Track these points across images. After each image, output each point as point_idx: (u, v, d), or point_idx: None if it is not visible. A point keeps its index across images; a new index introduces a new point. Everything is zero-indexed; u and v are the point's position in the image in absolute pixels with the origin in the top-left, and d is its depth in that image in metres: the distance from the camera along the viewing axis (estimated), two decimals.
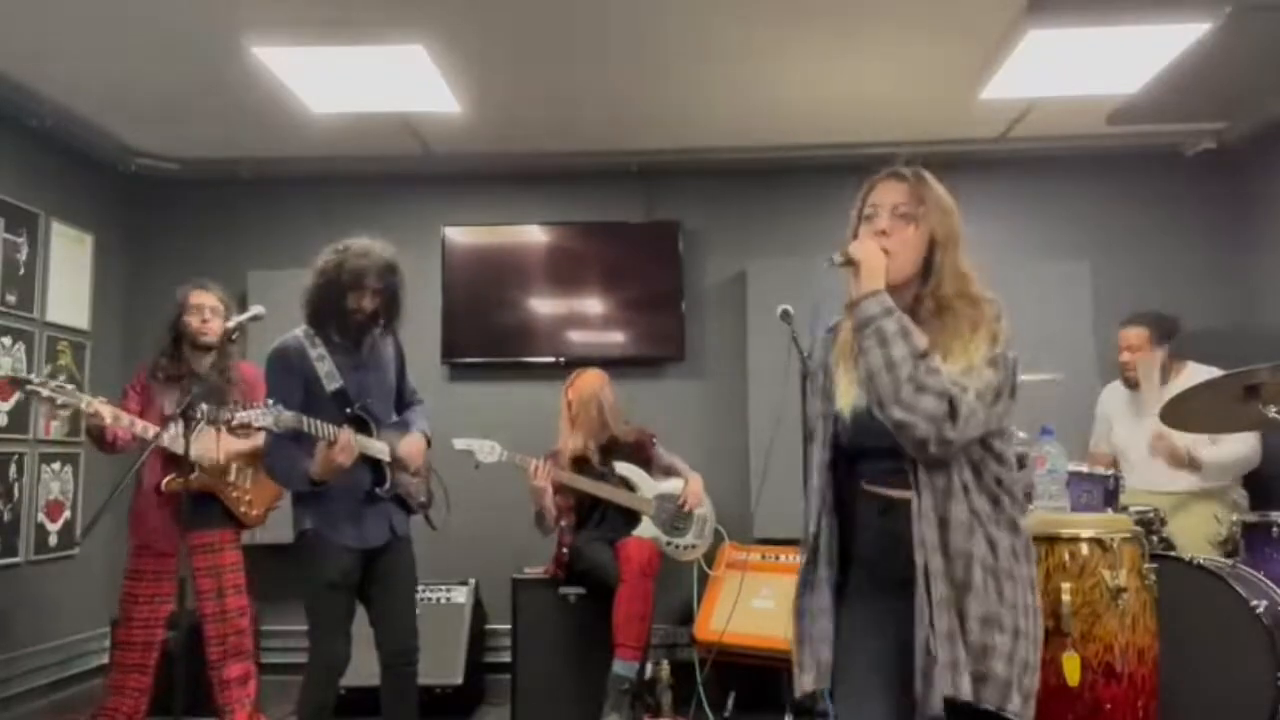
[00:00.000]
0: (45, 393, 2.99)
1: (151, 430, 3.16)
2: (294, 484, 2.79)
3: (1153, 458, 3.61)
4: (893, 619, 1.70)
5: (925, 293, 1.74)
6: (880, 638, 1.73)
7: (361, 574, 2.83)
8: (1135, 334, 3.81)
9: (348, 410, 2.83)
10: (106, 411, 3.09)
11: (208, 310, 3.36)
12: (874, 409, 1.66)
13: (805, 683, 1.79)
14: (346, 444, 2.69)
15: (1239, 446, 3.60)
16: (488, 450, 3.78)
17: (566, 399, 4.08)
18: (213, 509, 3.31)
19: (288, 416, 2.64)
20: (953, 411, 1.59)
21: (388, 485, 2.89)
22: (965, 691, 1.59)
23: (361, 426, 2.85)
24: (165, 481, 3.24)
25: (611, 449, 4.09)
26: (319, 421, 2.72)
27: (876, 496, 1.78)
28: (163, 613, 3.30)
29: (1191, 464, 3.57)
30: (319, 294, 2.81)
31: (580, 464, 4.00)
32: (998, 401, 1.66)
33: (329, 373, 2.81)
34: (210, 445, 3.27)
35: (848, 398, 1.79)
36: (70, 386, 3.08)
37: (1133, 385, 3.84)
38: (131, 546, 3.34)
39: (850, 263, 1.73)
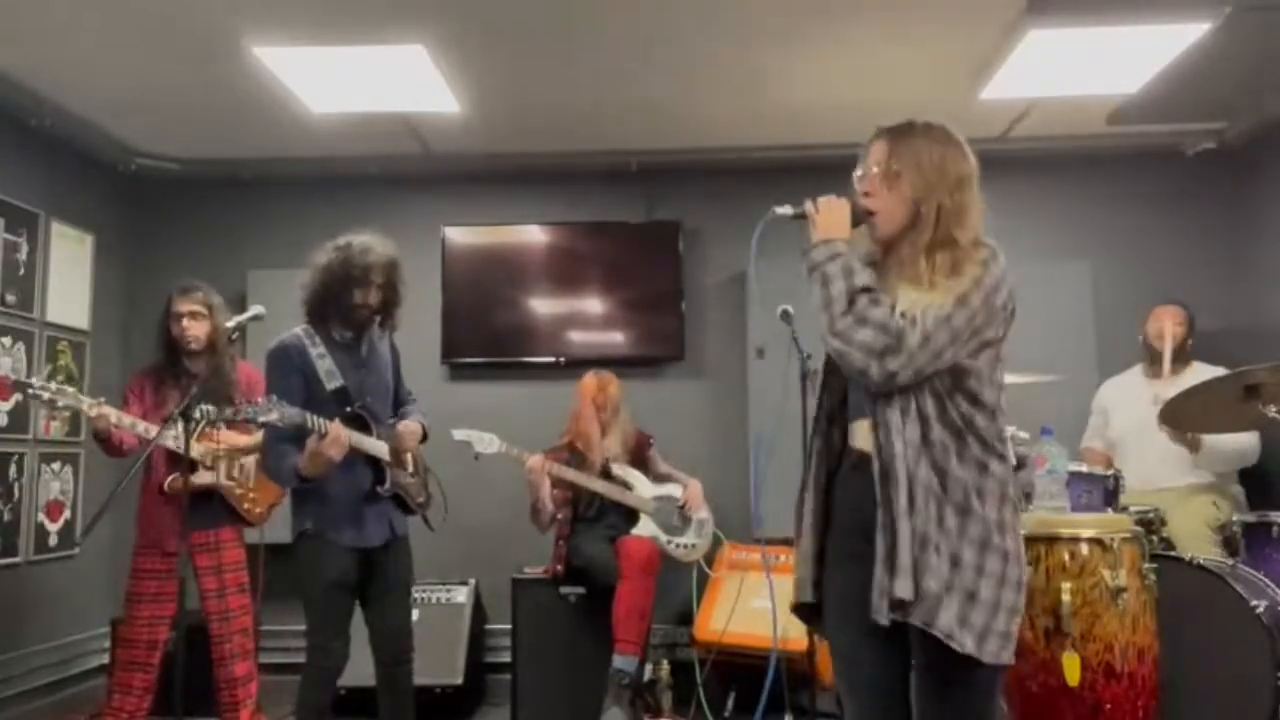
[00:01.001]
0: (47, 396, 2.99)
1: (154, 431, 3.16)
2: (285, 480, 2.78)
3: (1154, 445, 3.61)
4: (861, 580, 1.72)
5: (911, 241, 1.76)
6: (854, 601, 1.76)
7: (360, 574, 2.83)
8: (1178, 311, 3.85)
9: (348, 409, 2.83)
10: (111, 413, 3.09)
11: (186, 317, 3.33)
12: (824, 343, 1.73)
13: (803, 595, 1.88)
14: (337, 437, 2.67)
15: (1240, 438, 3.60)
16: (486, 442, 3.78)
17: (595, 404, 4.07)
18: (216, 507, 3.32)
19: (292, 413, 2.63)
20: (897, 344, 1.63)
21: (387, 485, 2.89)
22: (882, 613, 1.64)
23: (361, 425, 2.85)
24: (168, 481, 3.24)
25: (613, 452, 4.09)
26: (323, 419, 2.72)
27: (852, 451, 1.85)
28: (167, 612, 3.29)
29: (1192, 442, 3.56)
30: (322, 289, 2.82)
31: (601, 468, 4.01)
32: (973, 338, 1.67)
33: (329, 371, 2.81)
34: (213, 444, 3.28)
35: None
36: (71, 389, 3.08)
37: (1157, 361, 3.81)
38: (137, 545, 3.34)
39: (802, 215, 1.82)
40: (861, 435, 1.81)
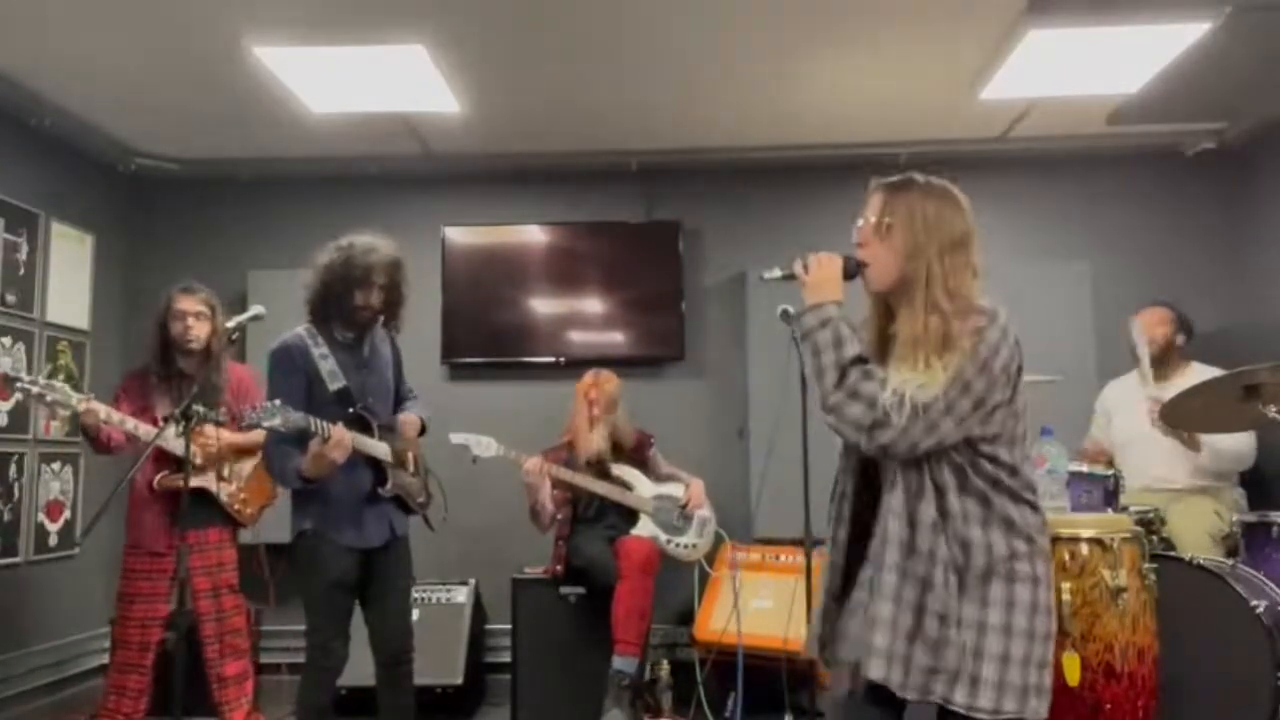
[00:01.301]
0: (35, 390, 2.98)
1: (143, 429, 3.16)
2: (288, 482, 2.78)
3: (1154, 446, 3.61)
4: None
5: (903, 304, 1.75)
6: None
7: (360, 574, 2.83)
8: (1160, 312, 3.83)
9: (350, 410, 2.83)
10: (100, 409, 3.09)
11: (190, 316, 3.33)
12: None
13: (811, 648, 1.90)
14: (341, 440, 2.67)
15: (1239, 439, 3.60)
16: (484, 445, 3.78)
17: (588, 398, 4.07)
18: (208, 508, 3.31)
19: (295, 417, 2.63)
20: (885, 420, 1.63)
21: (388, 485, 2.89)
22: (894, 678, 1.64)
23: (363, 426, 2.85)
24: (157, 479, 3.24)
25: (613, 450, 4.09)
26: (325, 422, 2.71)
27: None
28: (159, 612, 3.28)
29: (1190, 441, 3.56)
30: (324, 290, 2.81)
31: (595, 464, 4.00)
32: (976, 410, 1.65)
33: (331, 371, 2.81)
34: (207, 442, 3.27)
35: None
36: (61, 384, 3.07)
37: (1153, 363, 3.79)
38: (126, 546, 3.33)
39: (791, 277, 1.81)
40: None
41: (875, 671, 1.66)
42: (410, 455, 3.02)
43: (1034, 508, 1.72)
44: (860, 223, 1.83)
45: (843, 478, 1.89)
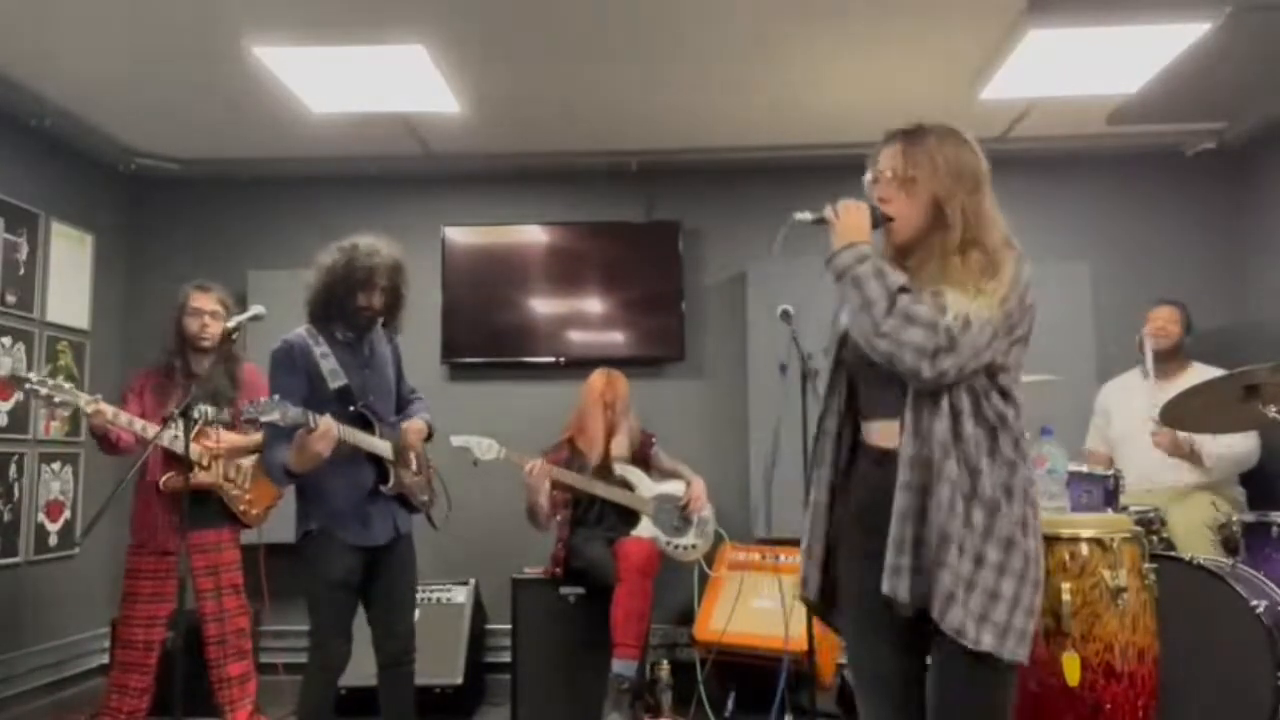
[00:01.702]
0: (44, 391, 2.99)
1: (151, 429, 3.16)
2: (275, 476, 2.78)
3: (1155, 446, 3.62)
4: (875, 565, 1.73)
5: (940, 243, 1.77)
6: (867, 585, 1.76)
7: (364, 573, 2.83)
8: (1168, 311, 3.84)
9: (351, 408, 2.83)
10: (108, 409, 3.09)
11: (207, 314, 3.37)
12: (866, 350, 1.72)
13: (805, 591, 1.91)
14: (326, 431, 2.65)
15: (1241, 441, 3.61)
16: (485, 447, 3.77)
17: (604, 400, 4.07)
18: (212, 508, 3.32)
19: (295, 412, 2.63)
20: (949, 344, 1.63)
21: (391, 483, 2.89)
22: (900, 592, 1.65)
23: (365, 425, 2.85)
24: (164, 480, 3.24)
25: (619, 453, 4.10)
26: (317, 416, 2.71)
27: (872, 448, 1.84)
28: (163, 612, 3.29)
29: (1192, 454, 3.57)
30: (325, 291, 2.82)
31: (600, 465, 4.01)
32: (1007, 336, 1.69)
33: (332, 370, 2.81)
34: (211, 445, 3.28)
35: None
36: (68, 385, 3.08)
37: (1160, 359, 3.80)
38: (131, 545, 3.34)
39: (822, 221, 1.81)
40: (881, 432, 1.82)
41: (885, 584, 1.67)
42: (413, 453, 3.02)
43: (1026, 459, 1.74)
44: (870, 176, 1.85)
45: (827, 417, 1.90)
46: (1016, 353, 1.73)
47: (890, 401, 1.77)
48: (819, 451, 1.90)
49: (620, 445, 4.07)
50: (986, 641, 1.62)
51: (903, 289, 1.69)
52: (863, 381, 1.87)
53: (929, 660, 1.77)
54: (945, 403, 1.68)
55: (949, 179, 1.77)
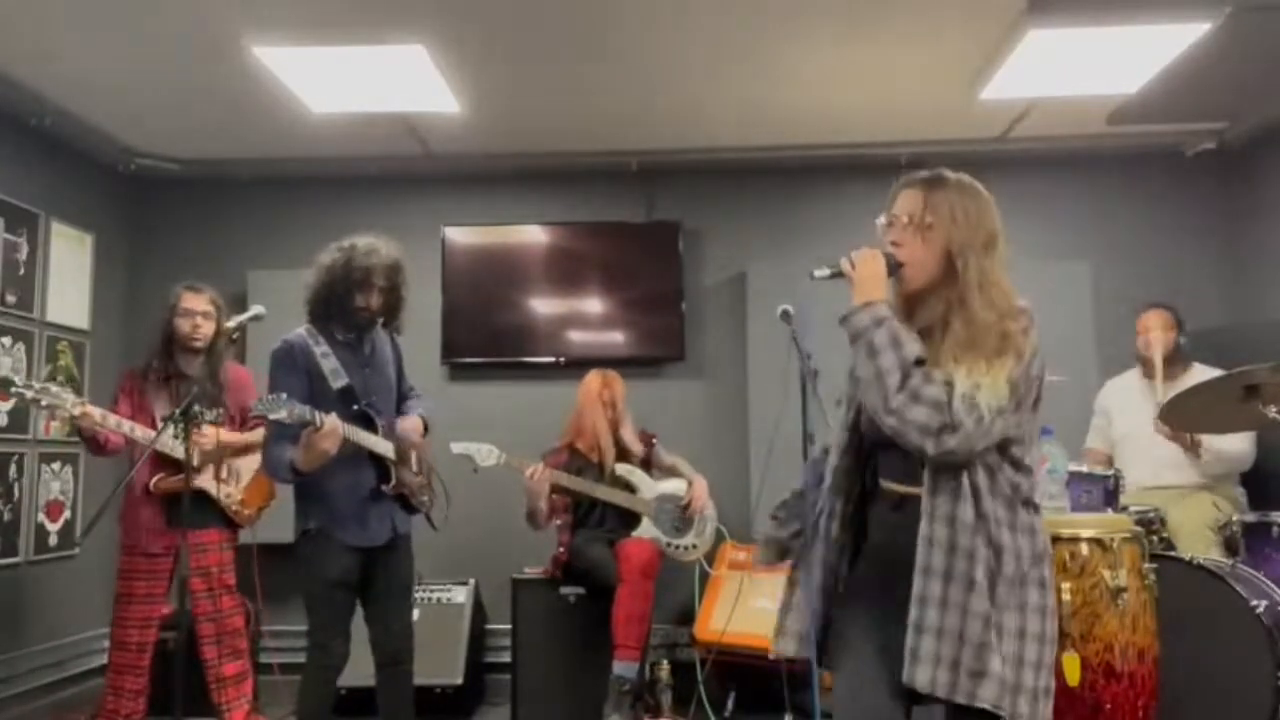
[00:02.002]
0: (30, 395, 2.98)
1: (140, 431, 3.16)
2: (281, 475, 2.77)
3: (1155, 445, 3.62)
4: (892, 619, 1.71)
5: (952, 298, 1.73)
6: (881, 633, 1.75)
7: (361, 573, 2.83)
8: (1157, 315, 3.83)
9: (354, 407, 2.83)
10: (95, 412, 3.09)
11: (199, 315, 3.35)
12: (875, 418, 1.69)
13: (784, 648, 1.87)
14: (333, 430, 2.65)
15: (1238, 440, 3.61)
16: (485, 454, 3.77)
17: (603, 400, 4.06)
18: (205, 509, 3.31)
19: (301, 410, 2.63)
20: (953, 424, 1.60)
21: (392, 483, 2.89)
22: (934, 686, 1.61)
23: (367, 424, 2.85)
24: (154, 481, 3.24)
25: (615, 451, 4.10)
26: (322, 414, 2.71)
27: (890, 493, 1.81)
28: (157, 613, 3.29)
29: (1193, 444, 3.57)
30: (324, 291, 2.82)
31: (597, 466, 4.01)
32: (1015, 413, 1.66)
33: (334, 370, 2.81)
34: (203, 440, 3.27)
35: None
36: (55, 388, 3.06)
37: (1150, 371, 3.82)
38: (122, 547, 3.34)
39: (839, 274, 1.76)
40: (899, 486, 1.79)
41: (921, 677, 1.62)
42: (414, 453, 3.02)
43: (1039, 513, 1.73)
44: (884, 220, 1.82)
45: (837, 474, 1.87)
46: (1028, 422, 1.70)
47: (910, 470, 1.75)
48: (830, 506, 1.86)
49: (631, 440, 4.06)
50: (1023, 711, 1.61)
51: (919, 360, 1.66)
52: (880, 449, 1.84)
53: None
54: (965, 482, 1.66)
55: (966, 231, 1.73)
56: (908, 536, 1.71)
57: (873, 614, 1.78)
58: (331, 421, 2.66)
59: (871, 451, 1.86)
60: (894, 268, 1.77)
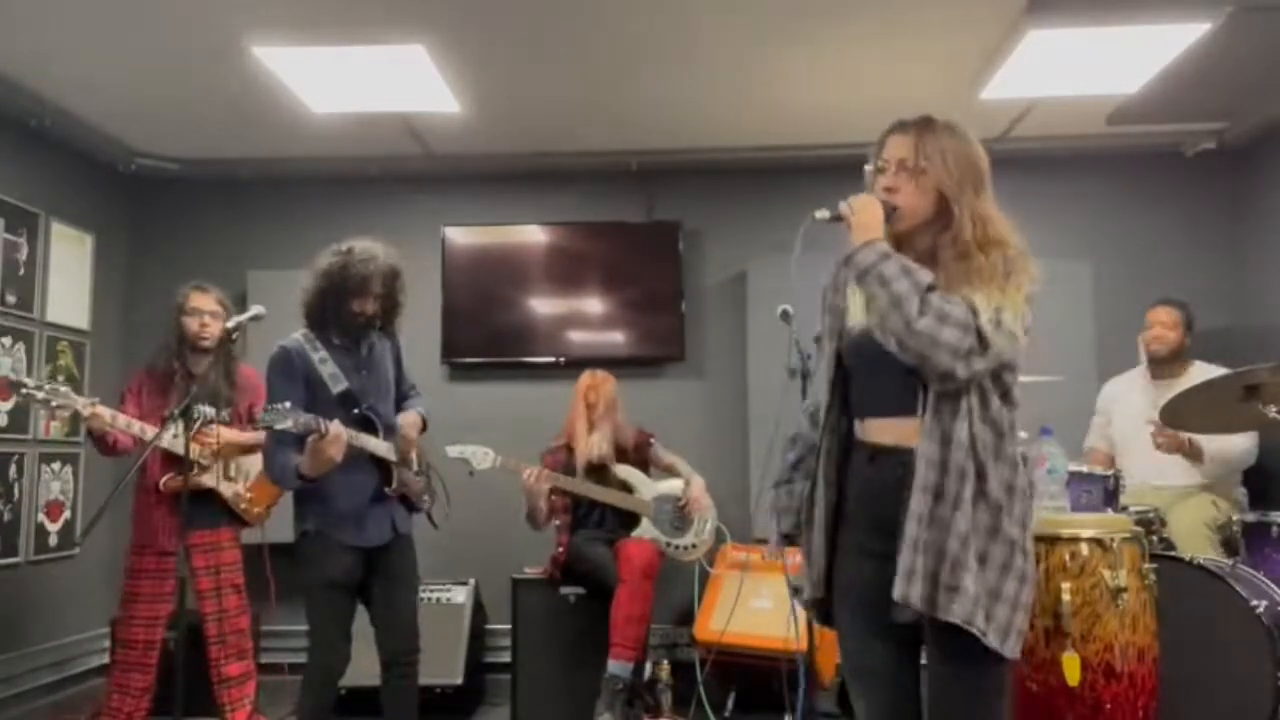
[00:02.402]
0: (41, 395, 2.99)
1: (150, 431, 3.16)
2: (287, 482, 2.78)
3: (1155, 449, 3.63)
4: (879, 573, 1.72)
5: (944, 239, 1.77)
6: (870, 594, 1.76)
7: (363, 573, 2.83)
8: (1168, 312, 3.82)
9: (355, 411, 2.83)
10: (105, 412, 3.09)
11: (206, 314, 3.36)
12: (894, 349, 1.69)
13: (806, 590, 1.90)
14: (337, 436, 2.66)
15: (1239, 439, 3.61)
16: (481, 457, 3.76)
17: (586, 401, 4.07)
18: (213, 507, 3.33)
19: (306, 418, 2.63)
20: (981, 345, 1.63)
21: (394, 484, 2.89)
22: (914, 598, 1.63)
23: (367, 427, 2.85)
24: (164, 480, 3.24)
25: (615, 451, 4.10)
26: (326, 421, 2.71)
27: (864, 444, 1.84)
28: (164, 612, 3.30)
29: (1192, 450, 3.57)
30: (321, 297, 2.81)
31: (597, 470, 4.00)
32: (1025, 335, 1.70)
33: (333, 375, 2.81)
34: (209, 442, 3.28)
35: (858, 316, 1.84)
36: (66, 389, 3.07)
37: (1159, 362, 3.81)
38: (132, 546, 3.34)
39: (839, 218, 1.78)
40: (875, 429, 1.82)
41: (900, 589, 1.65)
42: (414, 453, 3.02)
43: (1024, 457, 1.74)
44: (873, 166, 1.84)
45: (829, 412, 1.88)
46: (1022, 349, 1.74)
47: (888, 400, 1.77)
48: (826, 448, 1.88)
49: (597, 444, 4.01)
50: (991, 640, 1.63)
51: (931, 287, 1.68)
52: (862, 378, 1.86)
53: (924, 659, 1.77)
54: (964, 404, 1.68)
55: (958, 173, 1.77)
56: (883, 490, 1.73)
57: (864, 568, 1.80)
58: (336, 428, 2.66)
59: (847, 391, 1.88)
60: (889, 212, 1.79)
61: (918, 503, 1.67)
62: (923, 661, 1.80)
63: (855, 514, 1.84)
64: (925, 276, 1.68)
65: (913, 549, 1.65)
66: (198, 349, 3.37)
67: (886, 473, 1.75)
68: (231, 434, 3.34)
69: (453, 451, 3.73)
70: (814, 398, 2.01)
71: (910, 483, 1.69)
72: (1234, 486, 3.74)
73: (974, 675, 1.69)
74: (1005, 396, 1.72)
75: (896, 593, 1.66)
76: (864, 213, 1.76)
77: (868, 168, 1.86)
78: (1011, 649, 1.65)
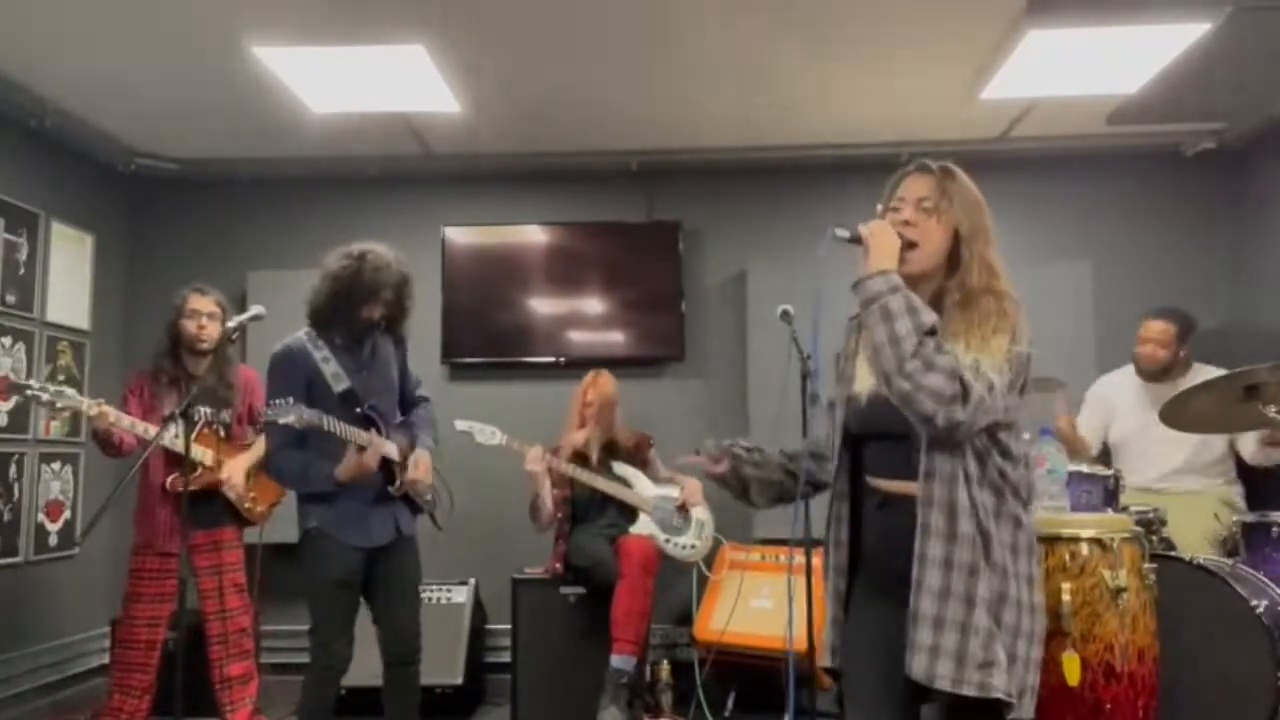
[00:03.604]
0: (45, 397, 2.99)
1: (153, 431, 3.16)
2: (312, 485, 2.78)
3: (1157, 449, 3.61)
4: (893, 620, 1.71)
5: (951, 284, 1.77)
6: (881, 640, 1.75)
7: (366, 573, 2.84)
8: (1161, 328, 3.80)
9: (357, 410, 2.83)
10: (111, 412, 3.10)
11: (204, 316, 3.36)
12: (881, 385, 1.68)
13: (820, 659, 1.88)
14: (378, 448, 2.75)
15: None
16: (489, 434, 3.79)
17: (585, 398, 4.09)
18: (216, 507, 3.33)
19: (310, 415, 2.64)
20: (964, 393, 1.60)
21: (397, 484, 2.89)
22: (941, 680, 1.61)
23: (368, 426, 2.85)
24: (170, 480, 3.25)
25: (611, 450, 4.10)
26: (338, 421, 2.74)
27: (875, 491, 1.82)
28: (165, 612, 3.31)
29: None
30: (330, 300, 2.80)
31: (580, 460, 4.01)
32: (1009, 395, 1.68)
33: (335, 374, 2.81)
34: (214, 445, 3.28)
35: (865, 382, 1.82)
36: (70, 390, 3.08)
37: (1150, 377, 3.81)
38: (135, 546, 3.34)
39: (857, 240, 1.76)
40: (887, 486, 1.81)
41: (918, 668, 1.63)
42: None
43: (1028, 508, 1.73)
44: (885, 207, 1.83)
45: (838, 478, 1.88)
46: (1015, 407, 1.71)
47: (900, 466, 1.75)
48: (837, 512, 1.87)
49: (580, 437, 4.05)
50: (1026, 708, 1.63)
51: (931, 331, 1.66)
52: (872, 443, 1.85)
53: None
54: (960, 468, 1.67)
55: (975, 218, 1.78)
56: (895, 536, 1.72)
57: (876, 617, 1.79)
58: (378, 442, 2.76)
59: (857, 450, 1.87)
60: (905, 246, 1.77)
61: (917, 572, 1.66)
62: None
63: (870, 561, 1.83)
64: (929, 318, 1.66)
65: (932, 626, 1.64)
66: (196, 351, 3.37)
67: (896, 519, 1.74)
68: (238, 464, 3.35)
69: (460, 425, 3.76)
70: (814, 435, 2.02)
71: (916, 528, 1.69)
72: (1233, 487, 3.74)
73: None
74: (1006, 455, 1.70)
75: (919, 671, 1.63)
76: (882, 238, 1.74)
77: (879, 208, 1.85)
78: (1029, 709, 1.65)
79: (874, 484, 1.83)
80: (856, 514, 1.87)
